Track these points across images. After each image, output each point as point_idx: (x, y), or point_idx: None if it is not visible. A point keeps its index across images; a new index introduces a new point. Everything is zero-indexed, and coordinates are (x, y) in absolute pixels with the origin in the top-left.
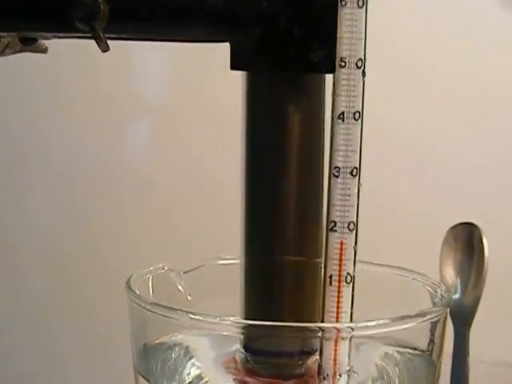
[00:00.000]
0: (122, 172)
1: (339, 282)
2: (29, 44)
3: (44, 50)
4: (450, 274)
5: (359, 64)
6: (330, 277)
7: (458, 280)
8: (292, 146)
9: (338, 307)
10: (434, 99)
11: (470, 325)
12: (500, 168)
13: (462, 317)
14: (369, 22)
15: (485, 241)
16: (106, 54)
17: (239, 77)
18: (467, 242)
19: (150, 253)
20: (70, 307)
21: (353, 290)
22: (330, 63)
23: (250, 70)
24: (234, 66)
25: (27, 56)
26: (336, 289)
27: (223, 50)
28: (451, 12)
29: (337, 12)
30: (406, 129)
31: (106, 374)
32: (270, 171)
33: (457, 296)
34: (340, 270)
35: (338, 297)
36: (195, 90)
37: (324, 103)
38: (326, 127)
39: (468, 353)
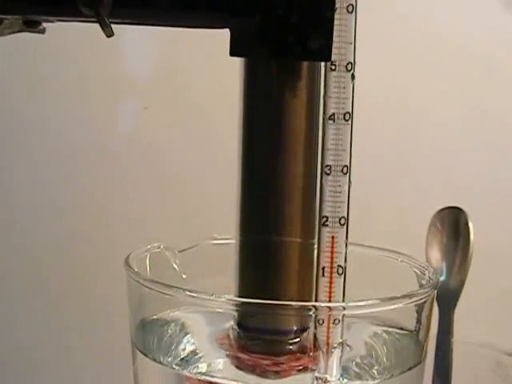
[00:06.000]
0: (116, 153)
1: (331, 273)
2: (32, 26)
3: (42, 31)
4: (436, 257)
5: (349, 67)
6: (323, 268)
7: (444, 263)
8: (288, 131)
9: (330, 297)
10: (420, 83)
11: (454, 306)
12: (487, 153)
13: (447, 299)
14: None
15: (470, 225)
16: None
17: (234, 59)
18: (453, 225)
19: (144, 232)
20: (70, 282)
21: (344, 281)
22: (326, 51)
23: (249, 57)
24: (233, 53)
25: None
26: (328, 280)
27: (217, 31)
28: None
29: (335, 1)
30: (393, 111)
31: (106, 347)
32: (266, 154)
33: (442, 278)
34: (332, 263)
35: (330, 287)
36: (188, 72)
37: (320, 90)
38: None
39: (452, 334)
